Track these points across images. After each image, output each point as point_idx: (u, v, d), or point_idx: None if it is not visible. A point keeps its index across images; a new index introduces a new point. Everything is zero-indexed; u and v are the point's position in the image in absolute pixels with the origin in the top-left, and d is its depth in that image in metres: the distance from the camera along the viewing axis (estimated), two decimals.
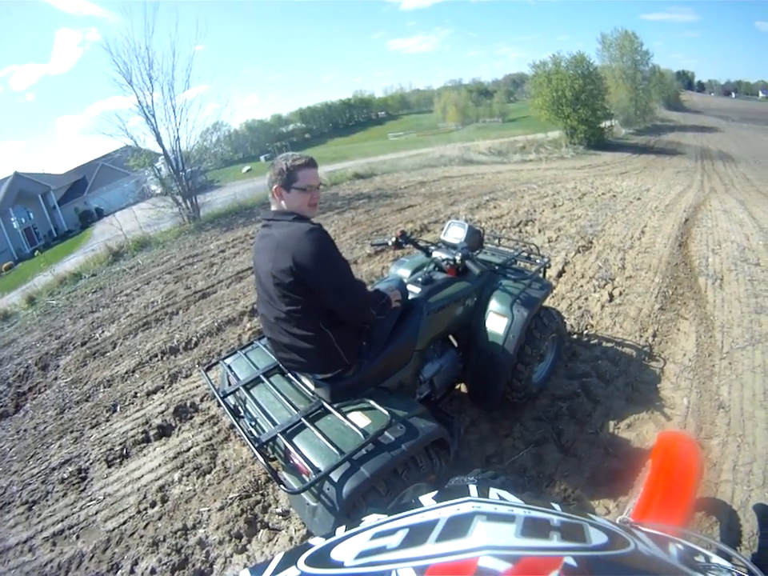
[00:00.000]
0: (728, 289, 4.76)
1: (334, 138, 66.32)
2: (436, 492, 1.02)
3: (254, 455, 1.89)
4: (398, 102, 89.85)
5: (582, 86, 25.62)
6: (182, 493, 2.74)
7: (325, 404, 1.96)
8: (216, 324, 4.92)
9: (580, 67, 26.72)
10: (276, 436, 1.85)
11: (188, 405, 3.57)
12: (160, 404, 3.69)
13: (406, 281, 2.53)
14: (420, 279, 2.50)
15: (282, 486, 1.71)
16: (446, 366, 2.59)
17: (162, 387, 3.97)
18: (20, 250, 27.55)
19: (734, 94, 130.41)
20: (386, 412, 1.82)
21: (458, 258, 2.50)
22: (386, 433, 1.75)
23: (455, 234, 2.78)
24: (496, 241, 3.55)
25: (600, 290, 4.68)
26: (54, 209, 30.91)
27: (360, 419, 1.84)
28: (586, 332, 3.92)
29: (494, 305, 2.62)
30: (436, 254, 2.71)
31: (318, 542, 0.93)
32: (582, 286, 4.83)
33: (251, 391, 2.19)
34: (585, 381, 3.25)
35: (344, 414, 1.87)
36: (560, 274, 5.19)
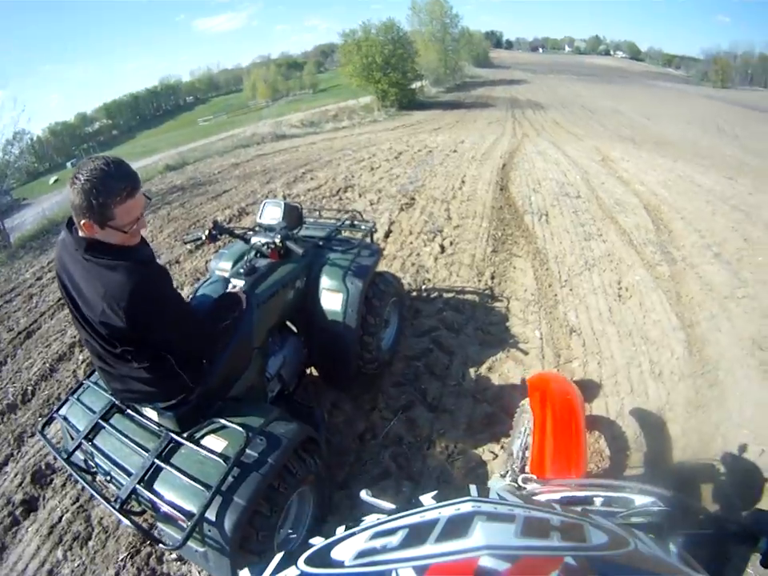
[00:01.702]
0: (554, 222, 5.27)
1: (143, 130, 62.15)
2: (436, 492, 1.04)
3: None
4: (206, 85, 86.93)
5: (391, 51, 26.29)
6: (72, 571, 2.31)
7: (174, 436, 1.72)
8: (47, 365, 4.15)
9: (390, 33, 27.40)
10: (135, 488, 1.61)
11: (43, 467, 2.98)
12: (15, 475, 3.02)
13: (228, 275, 2.30)
14: (242, 271, 2.26)
15: (160, 544, 1.55)
16: (290, 355, 2.47)
17: (12, 455, 3.24)
18: None
19: (541, 50, 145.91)
20: (241, 428, 1.66)
21: (277, 240, 2.33)
22: (247, 451, 1.61)
23: (272, 214, 2.60)
24: (317, 213, 3.43)
25: (430, 244, 4.84)
26: None
27: (215, 443, 1.67)
28: (424, 287, 4.02)
29: (325, 282, 2.53)
30: (255, 240, 2.47)
31: (318, 542, 0.93)
32: (411, 243, 4.92)
33: (94, 442, 1.87)
34: (434, 335, 3.32)
35: (197, 442, 1.68)
36: (387, 235, 5.21)
